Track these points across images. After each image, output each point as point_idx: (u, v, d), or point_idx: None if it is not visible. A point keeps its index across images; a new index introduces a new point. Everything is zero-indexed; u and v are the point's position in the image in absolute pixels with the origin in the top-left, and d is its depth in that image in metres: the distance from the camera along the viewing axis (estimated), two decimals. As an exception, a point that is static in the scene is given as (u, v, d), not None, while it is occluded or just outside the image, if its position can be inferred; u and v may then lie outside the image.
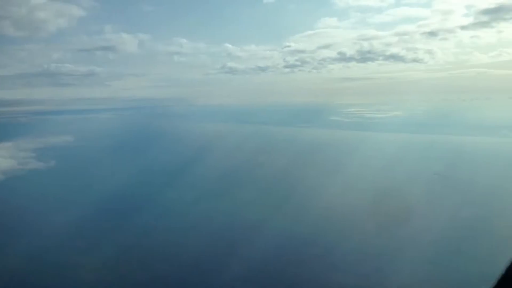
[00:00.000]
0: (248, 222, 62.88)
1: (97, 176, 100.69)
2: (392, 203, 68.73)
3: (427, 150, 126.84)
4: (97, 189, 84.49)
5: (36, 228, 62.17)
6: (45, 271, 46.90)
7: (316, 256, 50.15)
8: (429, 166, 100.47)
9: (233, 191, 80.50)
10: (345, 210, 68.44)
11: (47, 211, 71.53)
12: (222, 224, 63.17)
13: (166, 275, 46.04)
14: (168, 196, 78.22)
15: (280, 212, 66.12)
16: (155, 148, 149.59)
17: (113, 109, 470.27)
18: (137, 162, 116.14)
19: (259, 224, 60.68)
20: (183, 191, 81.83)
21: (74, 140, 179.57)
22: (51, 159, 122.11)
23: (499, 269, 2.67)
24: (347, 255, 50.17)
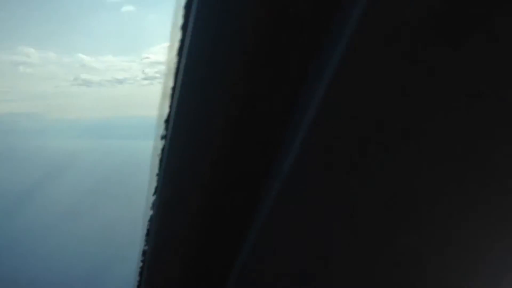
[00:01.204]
0: (116, 242, 60.07)
1: None
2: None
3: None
4: None
5: None
6: None
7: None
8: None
9: (92, 211, 76.04)
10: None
11: None
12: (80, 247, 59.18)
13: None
14: (14, 224, 70.32)
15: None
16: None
17: None
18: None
19: (128, 243, 58.46)
20: (33, 217, 74.42)
21: None
22: None
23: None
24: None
